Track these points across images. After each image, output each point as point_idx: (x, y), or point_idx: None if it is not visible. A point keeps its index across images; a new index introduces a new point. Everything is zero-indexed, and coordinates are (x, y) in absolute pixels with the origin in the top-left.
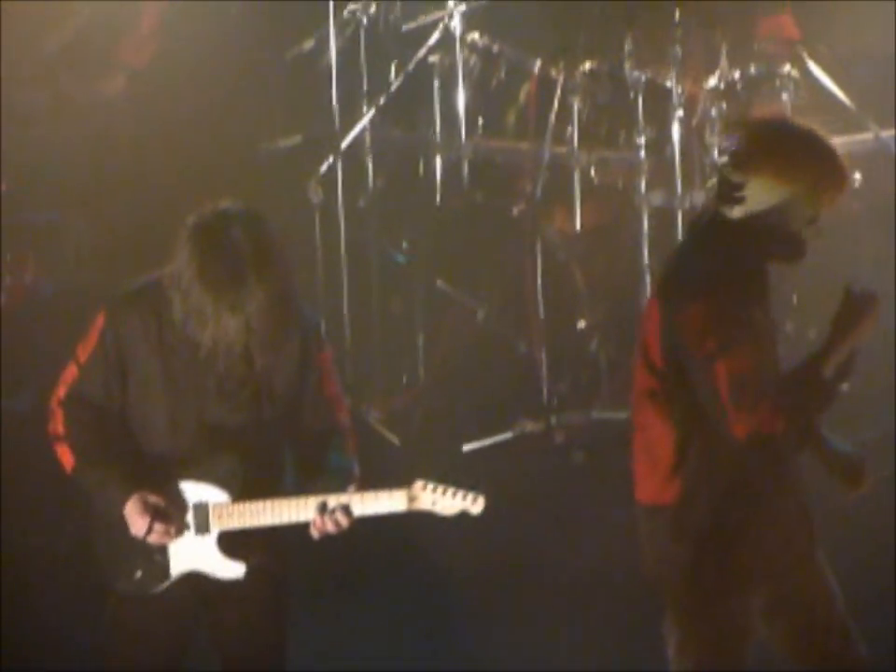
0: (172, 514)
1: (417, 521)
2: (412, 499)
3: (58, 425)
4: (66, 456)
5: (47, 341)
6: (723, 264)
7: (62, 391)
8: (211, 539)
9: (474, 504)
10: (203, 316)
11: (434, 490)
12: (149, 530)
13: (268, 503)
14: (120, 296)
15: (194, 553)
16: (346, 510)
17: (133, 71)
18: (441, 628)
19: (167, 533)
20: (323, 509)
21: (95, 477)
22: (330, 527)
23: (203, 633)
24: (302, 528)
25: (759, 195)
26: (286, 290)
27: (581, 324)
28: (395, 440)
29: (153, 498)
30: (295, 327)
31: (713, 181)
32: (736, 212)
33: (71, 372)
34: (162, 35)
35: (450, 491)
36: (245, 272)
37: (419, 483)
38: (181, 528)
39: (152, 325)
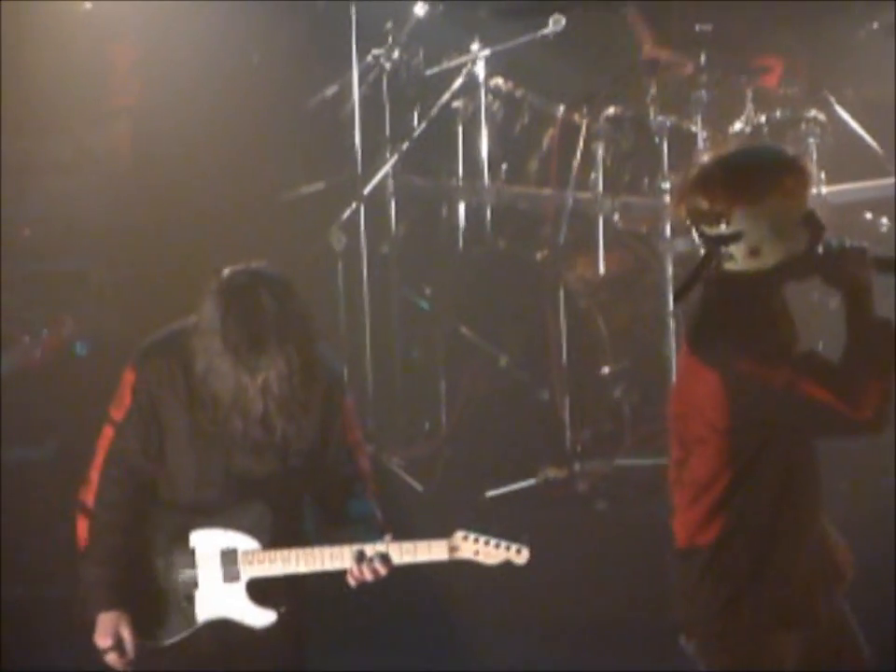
0: (131, 650)
1: (434, 569)
2: (452, 549)
3: (89, 495)
4: (83, 534)
5: (74, 392)
6: (753, 300)
7: (100, 457)
8: (240, 586)
9: (518, 555)
10: (223, 375)
11: (476, 540)
12: (105, 652)
13: (301, 551)
14: (147, 347)
15: (222, 600)
16: (385, 558)
17: (128, 109)
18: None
19: (120, 663)
20: (361, 558)
21: (90, 573)
22: (368, 576)
23: None
24: (323, 577)
25: (751, 231)
26: (307, 358)
27: (605, 370)
28: (418, 486)
29: (124, 627)
30: (317, 384)
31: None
32: (744, 263)
33: (106, 435)
34: (146, 70)
35: (493, 541)
36: (266, 337)
37: (459, 534)
38: (131, 662)
39: (179, 375)
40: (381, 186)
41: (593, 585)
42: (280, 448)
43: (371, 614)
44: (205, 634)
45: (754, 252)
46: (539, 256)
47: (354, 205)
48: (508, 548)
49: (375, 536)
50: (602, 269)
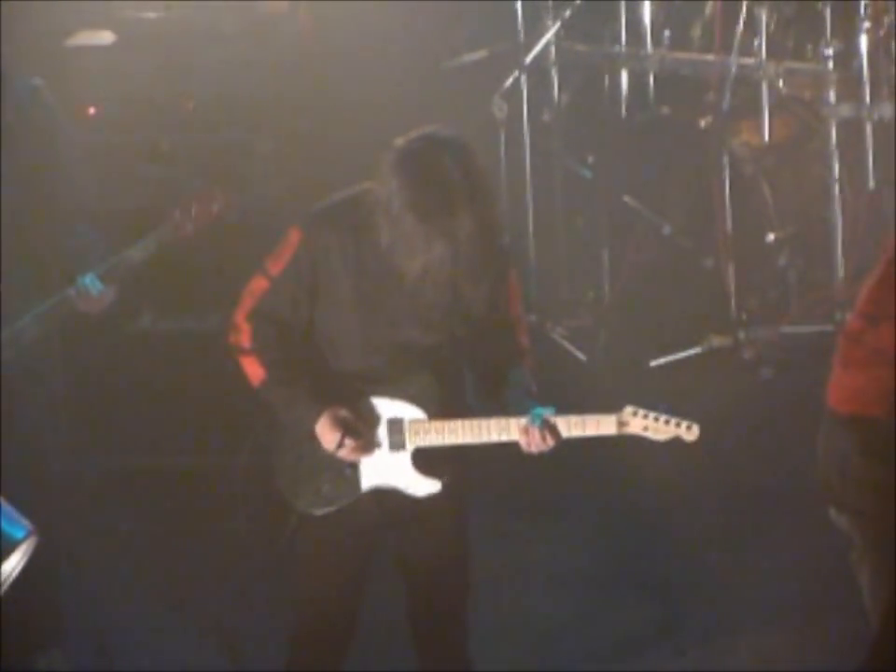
0: (362, 430)
1: (592, 441)
2: (621, 424)
3: (244, 338)
4: (254, 369)
5: (231, 264)
6: None
7: (248, 304)
8: (406, 455)
9: (689, 432)
10: (413, 245)
11: (645, 416)
12: (340, 445)
13: (467, 422)
14: (317, 213)
15: (387, 469)
16: (554, 431)
17: None
18: (623, 546)
19: (358, 448)
20: (529, 430)
21: (285, 394)
22: (536, 448)
23: (385, 552)
24: (485, 448)
25: None
26: (493, 219)
27: (770, 237)
28: (581, 356)
29: (344, 414)
30: (497, 249)
31: None
32: None
33: (260, 286)
34: None
35: (662, 417)
36: (455, 200)
37: (629, 409)
38: (371, 444)
39: (349, 243)
40: (543, 53)
41: (758, 453)
42: (448, 319)
43: (534, 486)
44: (369, 502)
45: None
46: (703, 122)
47: (516, 73)
48: (678, 424)
49: (534, 403)
50: (767, 135)
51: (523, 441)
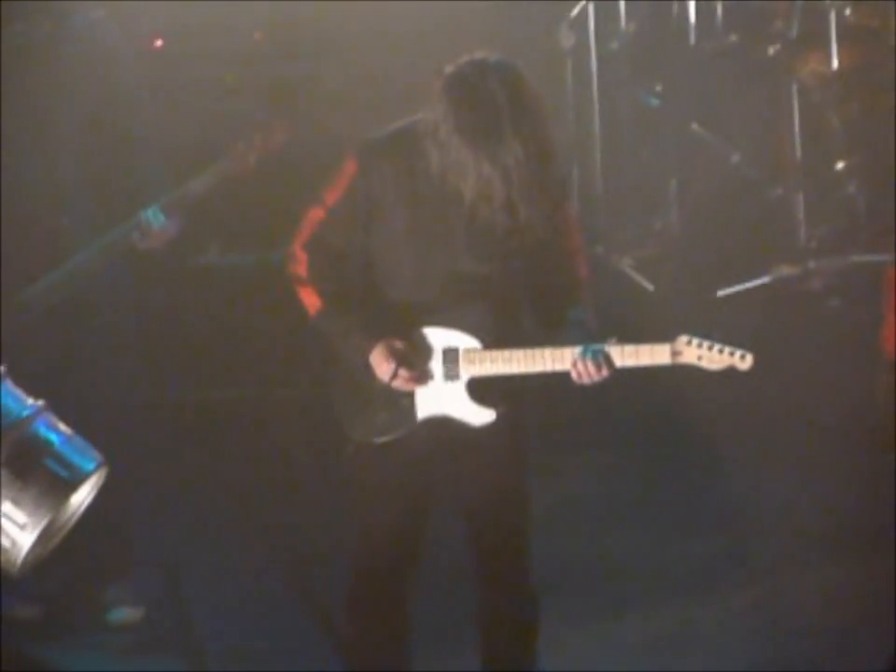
0: (416, 361)
1: (657, 371)
2: (675, 354)
3: (301, 267)
4: (311, 299)
5: (296, 197)
6: None
7: (306, 233)
8: (460, 384)
9: (743, 361)
10: (464, 169)
11: (699, 345)
12: (395, 375)
13: (522, 352)
14: (371, 143)
15: (442, 399)
16: (608, 360)
17: None
18: (682, 478)
19: (412, 379)
20: (583, 359)
21: (340, 324)
22: (589, 378)
23: (443, 484)
24: (543, 378)
25: None
26: (544, 144)
27: (839, 166)
28: (648, 286)
29: (398, 344)
30: (553, 175)
31: None
32: None
33: (316, 215)
34: None
35: (716, 347)
36: (502, 123)
37: (683, 338)
38: (426, 375)
39: (403, 174)
40: None
41: (825, 384)
42: (503, 248)
43: (588, 419)
44: (424, 432)
45: None
46: (771, 50)
47: (583, 2)
48: (732, 353)
49: (591, 340)
50: (835, 63)
51: (574, 374)
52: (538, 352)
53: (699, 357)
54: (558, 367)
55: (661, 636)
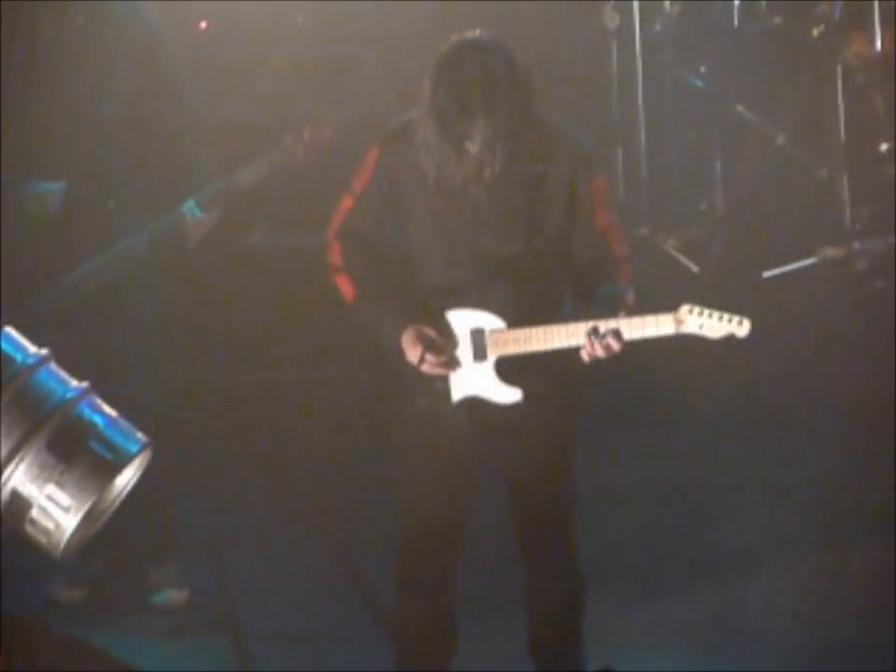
0: (444, 345)
1: (704, 353)
2: (678, 323)
3: (335, 256)
4: (346, 287)
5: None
6: None
7: (337, 221)
8: (488, 364)
9: (740, 327)
10: (431, 147)
11: (700, 314)
12: (422, 359)
13: (539, 329)
14: (393, 129)
15: (473, 379)
16: (616, 334)
17: None
18: (734, 457)
19: (440, 364)
20: (593, 334)
21: (374, 310)
22: (600, 352)
23: (485, 465)
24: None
25: None
26: (515, 125)
27: (883, 147)
28: (693, 267)
29: (426, 330)
30: (563, 161)
31: None
32: None
33: (346, 203)
34: None
35: (716, 314)
36: (473, 105)
37: (685, 307)
38: (454, 358)
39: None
40: None
41: (871, 364)
42: (523, 228)
43: (640, 399)
44: (462, 413)
45: None
46: (815, 32)
47: None
48: (730, 320)
49: (609, 316)
50: (879, 45)
51: (587, 346)
52: (553, 328)
53: (700, 326)
54: (573, 342)
55: (705, 616)
